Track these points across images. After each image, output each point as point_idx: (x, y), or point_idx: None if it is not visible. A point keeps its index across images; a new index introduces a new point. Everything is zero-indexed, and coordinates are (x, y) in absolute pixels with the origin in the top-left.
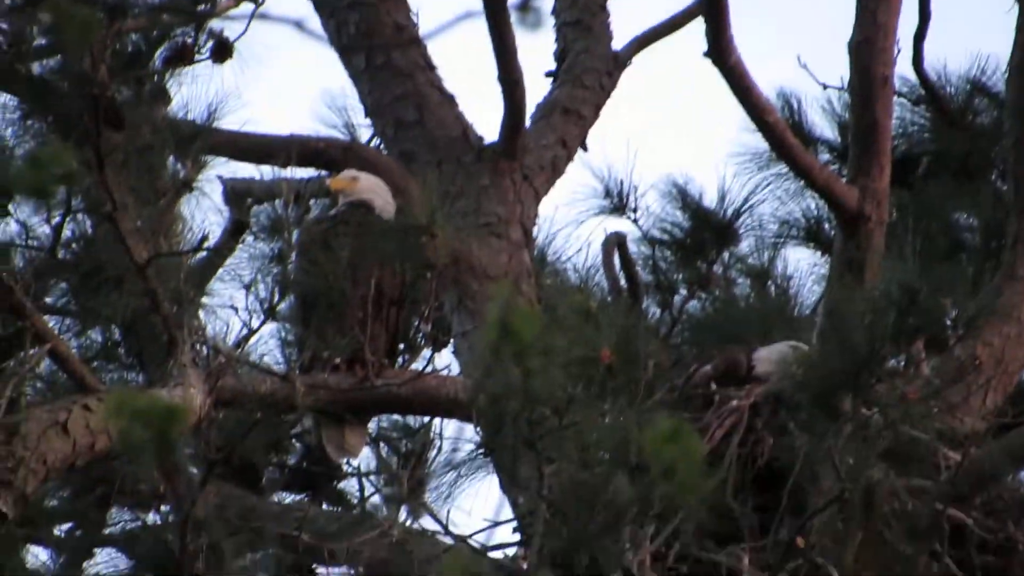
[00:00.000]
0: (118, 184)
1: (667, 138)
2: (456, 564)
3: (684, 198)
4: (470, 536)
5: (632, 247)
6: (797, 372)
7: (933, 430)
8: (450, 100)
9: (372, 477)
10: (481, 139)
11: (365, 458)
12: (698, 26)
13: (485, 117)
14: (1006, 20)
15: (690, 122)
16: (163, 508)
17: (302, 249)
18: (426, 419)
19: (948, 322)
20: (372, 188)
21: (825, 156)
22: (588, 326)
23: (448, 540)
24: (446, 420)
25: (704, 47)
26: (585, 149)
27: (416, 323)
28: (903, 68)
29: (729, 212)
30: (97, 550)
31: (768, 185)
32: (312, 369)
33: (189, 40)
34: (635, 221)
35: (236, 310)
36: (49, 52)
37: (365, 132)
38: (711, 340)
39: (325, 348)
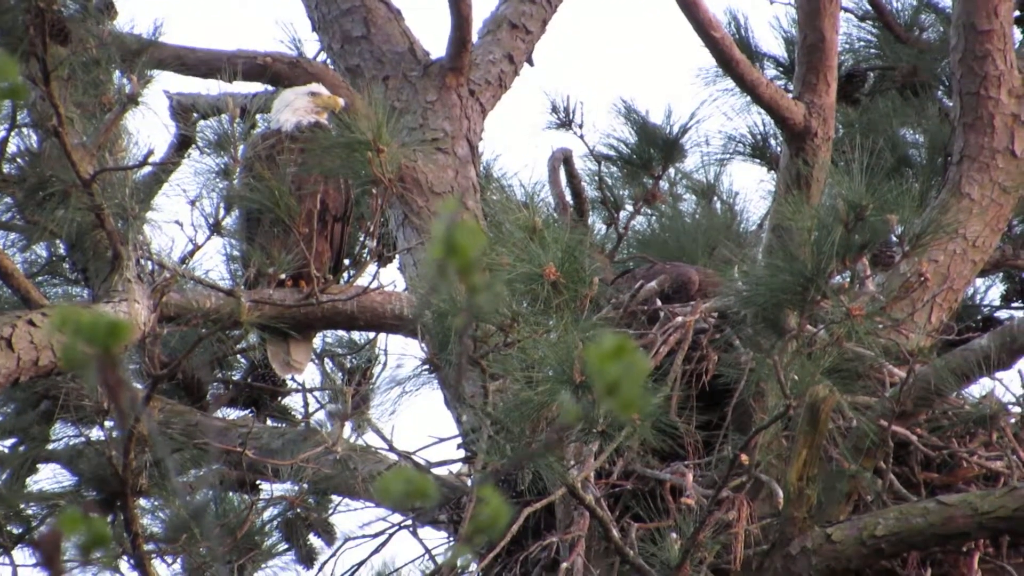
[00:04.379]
0: (64, 98)
1: (613, 54)
2: (399, 480)
3: (630, 114)
4: (414, 452)
5: (578, 163)
6: (743, 288)
7: (878, 347)
8: (397, 15)
9: (317, 393)
10: (428, 54)
11: (310, 374)
12: None
13: (432, 33)
14: None
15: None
16: (107, 424)
17: (248, 165)
18: (371, 335)
19: (894, 238)
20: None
21: (772, 72)
22: (533, 243)
23: (392, 456)
24: (391, 336)
25: None
26: (531, 64)
27: (362, 239)
28: None
29: (675, 128)
30: (40, 465)
31: (715, 101)
32: (257, 285)
33: None
34: (581, 137)
35: (181, 225)
36: None
37: (312, 47)
38: (657, 256)
39: (270, 264)
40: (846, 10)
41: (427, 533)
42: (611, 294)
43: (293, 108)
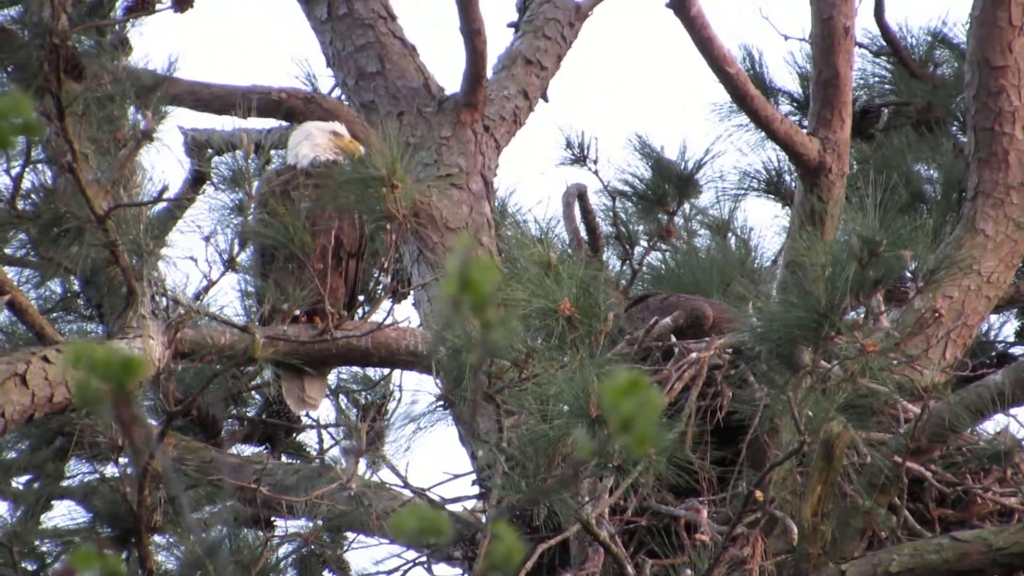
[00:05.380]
0: (78, 134)
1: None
2: (413, 517)
3: (645, 149)
4: (428, 489)
5: (593, 199)
6: (757, 324)
7: (892, 383)
8: (411, 50)
9: (331, 429)
10: (442, 90)
11: (324, 410)
12: None
13: (446, 69)
14: None
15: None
16: (121, 460)
17: (262, 200)
18: (386, 371)
19: (908, 274)
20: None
21: (786, 108)
22: (548, 278)
23: (406, 493)
24: (406, 372)
25: None
26: (546, 100)
27: (376, 275)
28: (864, 19)
29: (690, 164)
30: (55, 502)
31: (729, 137)
32: (272, 321)
33: None
34: (596, 173)
35: (196, 261)
36: (9, 2)
37: (327, 83)
38: (672, 292)
39: (284, 300)
40: (861, 46)
41: (441, 570)
42: (626, 329)
43: (312, 143)
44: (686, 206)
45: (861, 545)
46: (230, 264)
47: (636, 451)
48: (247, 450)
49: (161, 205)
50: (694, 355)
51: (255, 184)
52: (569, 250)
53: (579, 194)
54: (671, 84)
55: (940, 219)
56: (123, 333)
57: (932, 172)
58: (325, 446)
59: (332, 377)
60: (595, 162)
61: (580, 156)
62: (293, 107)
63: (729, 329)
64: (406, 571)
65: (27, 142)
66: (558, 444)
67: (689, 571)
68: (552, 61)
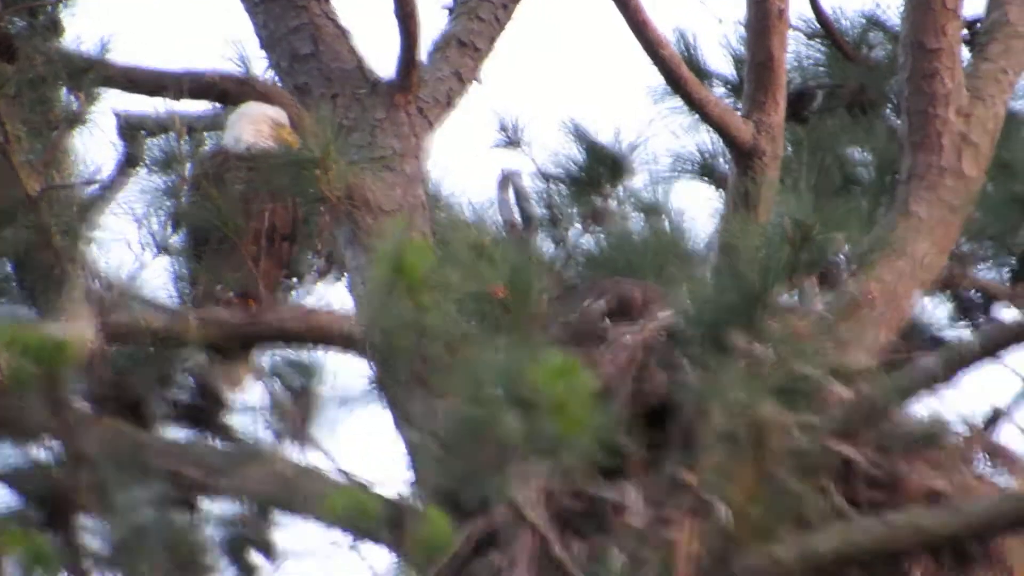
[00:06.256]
0: (10, 116)
1: (563, 72)
2: (343, 498)
3: (579, 132)
4: (358, 472)
5: (526, 182)
6: (690, 307)
7: (825, 366)
8: (345, 33)
9: (262, 412)
10: (376, 73)
11: (255, 393)
12: None
13: (380, 51)
14: None
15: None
16: (51, 443)
17: (195, 183)
18: (318, 354)
19: (841, 257)
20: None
21: (720, 91)
22: (481, 261)
23: (337, 475)
24: (339, 355)
25: None
26: (480, 82)
27: (310, 258)
28: (798, 2)
29: (623, 146)
30: None
31: (663, 119)
32: (204, 304)
33: None
34: (530, 156)
35: (128, 244)
36: None
37: (261, 65)
38: (604, 275)
39: (217, 283)
40: (794, 28)
41: (370, 551)
42: (558, 312)
43: (252, 128)
44: (620, 189)
45: (791, 528)
46: (163, 247)
47: (568, 434)
48: (177, 433)
49: (94, 187)
50: (627, 338)
51: (188, 166)
52: (503, 233)
53: (512, 177)
54: (605, 66)
55: (874, 202)
56: (55, 316)
57: (866, 155)
58: (255, 429)
59: (264, 360)
60: (529, 145)
61: (514, 139)
62: (227, 89)
63: (660, 311)
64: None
65: None
66: (489, 427)
67: (617, 551)
68: (486, 43)
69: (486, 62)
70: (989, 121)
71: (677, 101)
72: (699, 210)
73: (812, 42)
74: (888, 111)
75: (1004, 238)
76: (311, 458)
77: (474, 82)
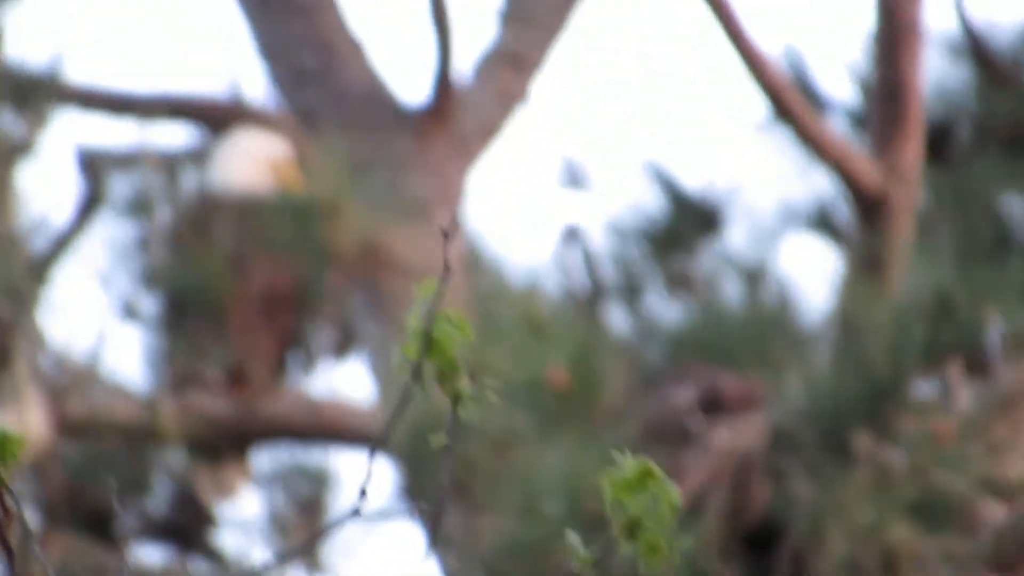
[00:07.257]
0: None
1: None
2: None
3: (658, 175)
4: None
5: (594, 236)
6: (801, 401)
7: (972, 477)
8: (363, 47)
9: (258, 528)
10: (403, 97)
11: (250, 503)
12: None
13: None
14: None
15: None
16: None
17: (173, 233)
18: (328, 453)
19: (994, 337)
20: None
21: (840, 123)
22: (536, 339)
23: None
24: (353, 455)
25: None
26: (531, 106)
27: (317, 330)
28: (941, 13)
29: (717, 194)
30: None
31: (767, 160)
32: (184, 389)
33: None
34: (596, 204)
35: (89, 310)
36: None
37: (254, 83)
38: (692, 358)
39: (200, 361)
40: (935, 46)
41: None
42: (633, 406)
43: (245, 164)
44: (712, 247)
45: None
46: (132, 313)
47: (645, 561)
48: (150, 553)
49: (46, 237)
50: (721, 439)
51: (164, 211)
52: (563, 304)
53: (575, 231)
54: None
55: None
56: None
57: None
58: (249, 547)
59: (259, 460)
60: (596, 189)
61: (577, 181)
62: (213, 115)
63: (763, 406)
64: None
65: None
66: (546, 551)
67: None
68: (538, 56)
69: (539, 83)
70: None
71: (784, 136)
72: (812, 275)
73: (958, 63)
74: None
75: None
76: None
77: (523, 109)
